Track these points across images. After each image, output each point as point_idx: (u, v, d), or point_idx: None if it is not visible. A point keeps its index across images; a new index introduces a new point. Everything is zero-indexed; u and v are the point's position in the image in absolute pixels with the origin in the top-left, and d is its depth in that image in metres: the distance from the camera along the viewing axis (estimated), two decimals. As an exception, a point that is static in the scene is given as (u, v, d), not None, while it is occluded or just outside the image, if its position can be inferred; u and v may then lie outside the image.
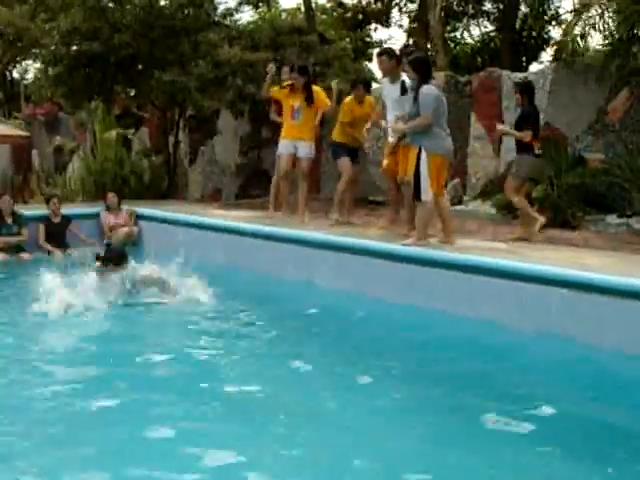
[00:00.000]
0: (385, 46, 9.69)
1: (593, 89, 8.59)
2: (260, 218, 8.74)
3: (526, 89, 7.39)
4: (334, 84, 8.54)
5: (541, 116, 8.84)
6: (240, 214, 9.35)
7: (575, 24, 8.61)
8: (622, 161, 8.16)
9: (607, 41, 8.73)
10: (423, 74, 6.42)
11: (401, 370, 4.81)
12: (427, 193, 6.40)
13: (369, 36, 17.76)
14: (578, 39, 8.55)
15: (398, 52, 7.58)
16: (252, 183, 11.89)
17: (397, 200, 7.69)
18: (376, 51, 8.48)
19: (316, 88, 8.44)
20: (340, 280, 6.79)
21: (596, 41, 9.16)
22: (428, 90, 6.37)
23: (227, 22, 11.60)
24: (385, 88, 7.57)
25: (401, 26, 16.87)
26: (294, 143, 8.39)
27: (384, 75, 7.60)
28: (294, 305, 6.56)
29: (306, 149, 8.41)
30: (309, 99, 8.23)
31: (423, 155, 6.35)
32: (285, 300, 6.76)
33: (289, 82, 8.40)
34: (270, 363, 5.01)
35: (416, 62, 6.52)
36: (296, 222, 8.28)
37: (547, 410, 4.13)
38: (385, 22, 16.30)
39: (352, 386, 4.55)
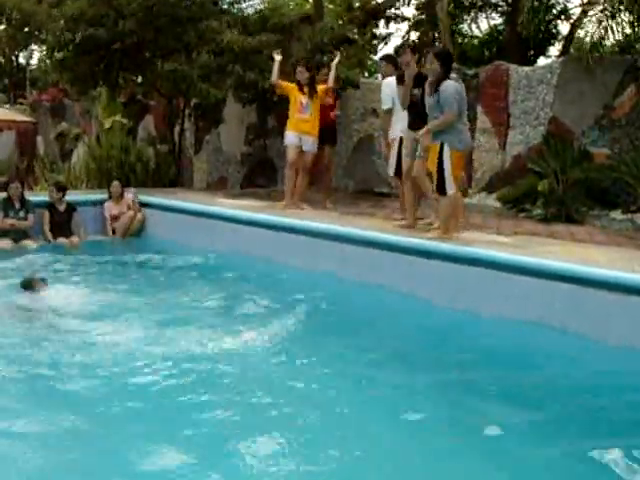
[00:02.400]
0: (387, 53, 10.09)
1: (600, 84, 8.57)
2: (266, 208, 8.84)
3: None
4: (333, 64, 8.86)
5: (547, 110, 8.89)
6: (250, 203, 9.34)
7: (586, 17, 8.56)
8: (628, 157, 8.15)
9: (618, 38, 8.72)
10: (447, 67, 6.55)
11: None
12: (451, 186, 6.52)
13: (377, 27, 17.66)
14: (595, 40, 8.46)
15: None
16: (257, 172, 11.91)
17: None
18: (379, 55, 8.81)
19: (321, 87, 8.75)
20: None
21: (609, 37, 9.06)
22: (449, 85, 6.48)
23: (234, 10, 11.54)
24: (390, 86, 7.72)
25: (405, 19, 16.76)
26: (300, 136, 8.71)
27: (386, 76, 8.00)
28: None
29: (310, 143, 8.74)
30: (312, 93, 8.59)
31: (446, 150, 6.46)
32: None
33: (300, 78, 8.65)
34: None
35: (442, 54, 6.70)
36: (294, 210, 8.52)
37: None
38: (395, 18, 16.23)
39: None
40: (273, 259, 7.53)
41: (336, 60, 8.90)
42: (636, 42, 11.30)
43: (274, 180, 11.55)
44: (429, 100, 6.61)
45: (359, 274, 6.73)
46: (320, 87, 8.78)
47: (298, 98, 8.65)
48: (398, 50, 8.23)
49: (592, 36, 8.27)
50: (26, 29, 11.84)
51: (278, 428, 3.74)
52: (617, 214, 7.97)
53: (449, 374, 4.69)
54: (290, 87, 8.76)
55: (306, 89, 8.63)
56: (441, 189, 6.56)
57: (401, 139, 7.49)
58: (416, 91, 7.08)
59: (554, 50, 15.87)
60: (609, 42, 9.50)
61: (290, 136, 8.79)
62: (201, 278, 7.24)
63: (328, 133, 9.03)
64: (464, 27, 17.46)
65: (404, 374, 4.67)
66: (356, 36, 13.08)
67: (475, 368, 4.83)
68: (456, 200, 6.78)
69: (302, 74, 8.60)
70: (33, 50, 23.47)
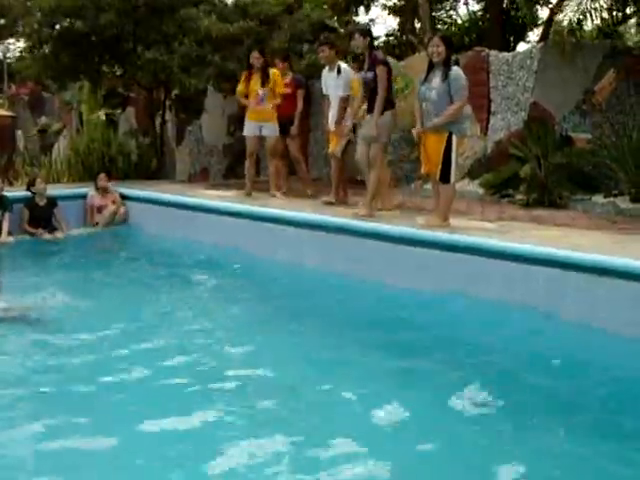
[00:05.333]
0: (324, 37, 10.39)
1: (580, 69, 8.60)
2: (239, 197, 8.97)
3: None
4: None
5: (528, 96, 8.92)
6: (226, 194, 9.38)
7: (565, 1, 8.56)
8: (608, 141, 8.20)
9: (598, 22, 8.75)
10: (451, 52, 6.65)
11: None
12: (454, 175, 6.65)
13: (357, 14, 17.58)
14: (574, 23, 8.48)
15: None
16: (239, 163, 11.78)
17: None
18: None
19: (274, 71, 8.95)
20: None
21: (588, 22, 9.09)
22: (460, 73, 6.58)
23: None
24: (324, 76, 8.42)
25: (386, 6, 16.72)
26: (259, 125, 8.93)
27: (325, 63, 8.43)
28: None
29: (270, 129, 8.94)
30: (265, 80, 8.77)
31: (454, 138, 6.54)
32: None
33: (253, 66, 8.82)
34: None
35: (447, 38, 6.85)
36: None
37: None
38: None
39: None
40: (253, 250, 7.54)
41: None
42: (616, 26, 11.36)
43: (258, 171, 11.51)
44: (440, 87, 6.55)
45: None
46: (273, 71, 8.91)
47: (254, 88, 8.82)
48: (350, 35, 8.36)
49: (570, 20, 8.29)
50: (2, 22, 11.69)
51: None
52: (599, 198, 8.01)
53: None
54: (243, 84, 8.91)
55: (257, 75, 8.76)
56: (445, 177, 6.63)
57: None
58: (369, 74, 7.22)
59: (534, 36, 15.90)
60: (588, 27, 9.57)
61: (248, 126, 8.99)
62: (181, 270, 7.28)
63: (286, 124, 9.12)
64: (443, 14, 17.43)
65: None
66: (336, 24, 13.02)
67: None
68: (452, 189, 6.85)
69: (258, 60, 8.75)
70: (9, 43, 23.18)
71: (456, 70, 6.60)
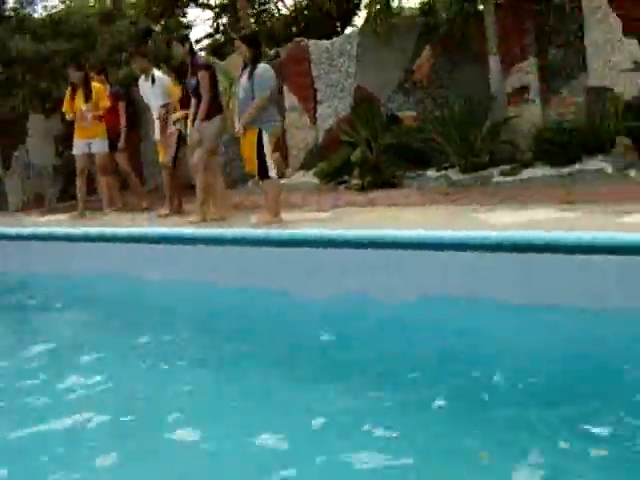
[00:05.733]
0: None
1: (398, 49, 8.72)
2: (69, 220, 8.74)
3: None
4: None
5: (351, 81, 8.96)
6: (60, 218, 8.94)
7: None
8: (432, 116, 8.36)
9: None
10: (256, 50, 6.50)
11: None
12: (272, 170, 6.54)
13: (184, 16, 17.23)
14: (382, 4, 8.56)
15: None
16: (72, 184, 11.25)
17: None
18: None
19: (95, 85, 8.75)
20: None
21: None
22: (264, 70, 6.45)
23: (19, 15, 10.80)
24: (140, 85, 8.37)
25: (209, 6, 16.47)
26: (88, 142, 8.75)
27: (140, 73, 8.36)
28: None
29: (99, 145, 8.79)
30: (87, 96, 8.60)
31: (264, 135, 6.42)
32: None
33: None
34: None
35: (248, 37, 6.67)
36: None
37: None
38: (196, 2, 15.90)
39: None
40: (91, 272, 7.15)
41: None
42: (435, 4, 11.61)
43: (91, 190, 10.98)
44: (245, 86, 6.45)
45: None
46: (94, 84, 8.72)
47: (78, 106, 8.63)
48: (168, 43, 8.31)
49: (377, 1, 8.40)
50: None
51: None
52: (433, 173, 8.14)
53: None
54: (68, 102, 8.71)
55: (80, 91, 8.58)
56: (264, 174, 6.53)
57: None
58: (193, 81, 7.08)
59: (360, 20, 16.12)
60: (411, 6, 9.69)
61: (77, 144, 8.80)
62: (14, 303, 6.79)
63: (112, 139, 8.94)
64: (271, 6, 17.36)
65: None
66: (157, 28, 12.65)
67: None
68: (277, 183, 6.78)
69: (74, 75, 8.57)
70: None
71: (261, 67, 6.46)
